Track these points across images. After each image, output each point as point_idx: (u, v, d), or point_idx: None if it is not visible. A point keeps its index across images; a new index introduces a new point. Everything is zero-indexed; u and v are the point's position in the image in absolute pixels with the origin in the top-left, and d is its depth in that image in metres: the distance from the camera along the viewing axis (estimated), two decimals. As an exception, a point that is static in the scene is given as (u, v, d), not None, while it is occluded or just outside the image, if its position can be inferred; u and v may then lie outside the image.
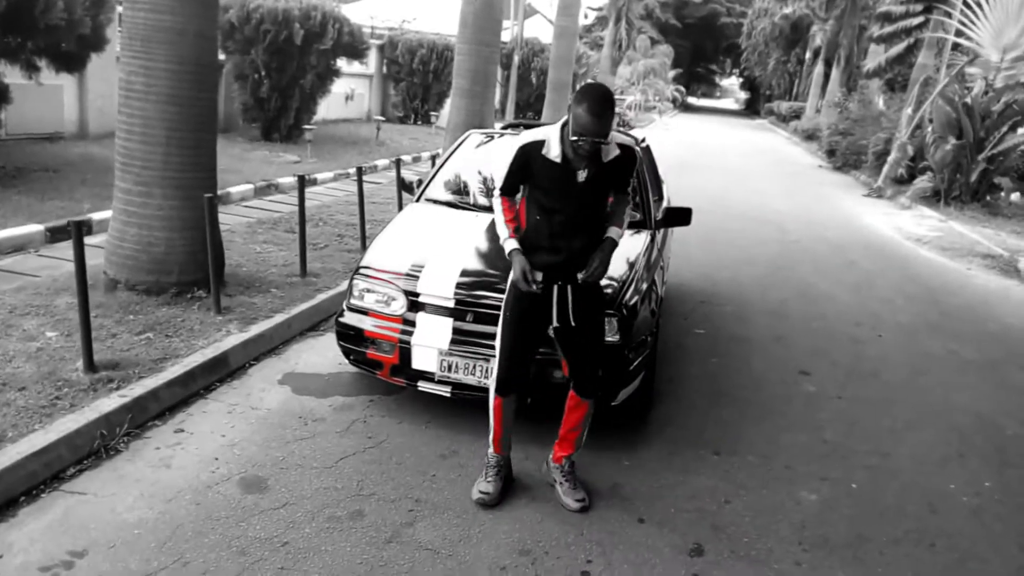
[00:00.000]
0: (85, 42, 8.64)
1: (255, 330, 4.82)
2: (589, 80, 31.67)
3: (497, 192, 3.37)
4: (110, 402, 3.71)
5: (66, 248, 6.04)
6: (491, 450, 3.50)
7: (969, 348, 6.28)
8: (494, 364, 3.73)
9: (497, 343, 3.36)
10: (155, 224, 5.07)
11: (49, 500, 3.15)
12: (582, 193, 3.13)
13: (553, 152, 3.11)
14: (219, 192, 6.35)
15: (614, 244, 3.24)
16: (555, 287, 3.23)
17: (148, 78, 4.88)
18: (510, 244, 3.26)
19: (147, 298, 5.06)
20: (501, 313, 3.36)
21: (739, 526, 3.39)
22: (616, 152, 3.15)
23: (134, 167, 5.02)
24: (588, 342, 3.33)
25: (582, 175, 3.10)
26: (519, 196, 3.36)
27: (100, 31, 8.81)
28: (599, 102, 2.93)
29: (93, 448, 3.49)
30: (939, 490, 3.91)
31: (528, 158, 3.17)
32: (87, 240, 4.06)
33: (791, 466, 3.99)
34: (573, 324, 3.25)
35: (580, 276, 3.17)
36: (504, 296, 3.36)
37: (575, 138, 2.96)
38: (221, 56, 12.69)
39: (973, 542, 3.46)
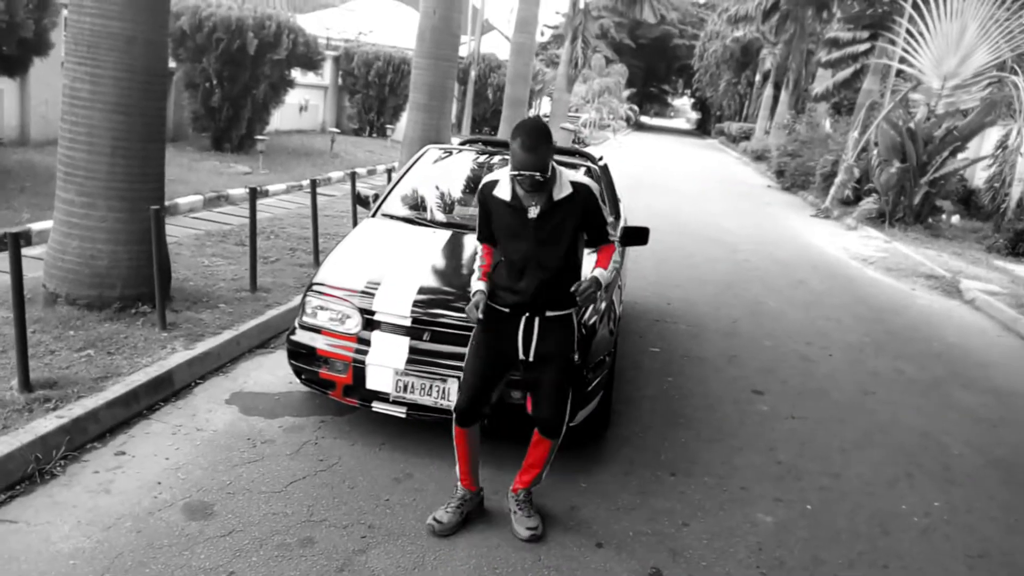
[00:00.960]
0: (27, 45, 8.36)
1: (202, 347, 4.66)
2: (545, 96, 31.94)
3: (477, 239, 3.40)
4: (46, 423, 3.53)
5: (2, 259, 5.81)
6: (459, 482, 3.41)
7: (914, 367, 6.43)
8: (451, 385, 3.69)
9: (462, 373, 3.32)
10: (98, 236, 4.89)
11: (-23, 529, 2.98)
12: (536, 231, 3.11)
13: (504, 192, 3.14)
14: (166, 203, 6.16)
15: (597, 280, 3.17)
16: (522, 319, 3.19)
17: (94, 85, 4.72)
18: (475, 285, 3.29)
19: (88, 313, 4.87)
20: (470, 340, 3.33)
21: (697, 549, 3.37)
22: (568, 191, 3.11)
23: (77, 177, 4.83)
24: (552, 381, 3.23)
25: (533, 211, 3.09)
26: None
27: (44, 35, 8.54)
28: (532, 136, 2.95)
29: (27, 472, 3.32)
30: (890, 511, 3.96)
31: (486, 199, 3.22)
32: (25, 251, 3.89)
33: (746, 487, 4.00)
34: (530, 359, 3.20)
35: (574, 289, 3.12)
36: (465, 317, 3.34)
37: (514, 173, 2.99)
38: (171, 64, 12.40)
39: (924, 562, 3.51)
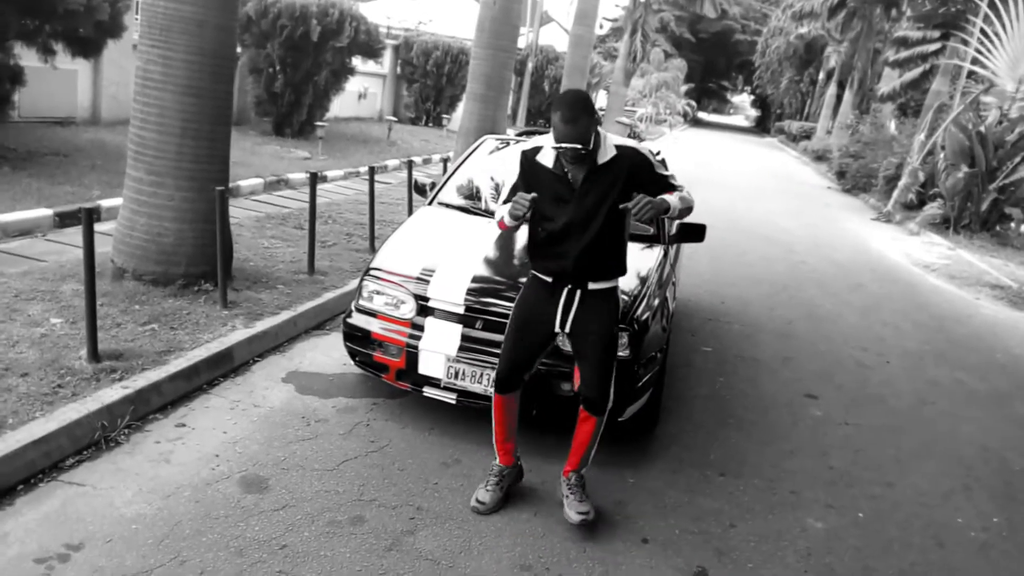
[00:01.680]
0: (102, 28, 8.62)
1: (260, 326, 4.78)
2: (603, 90, 31.71)
3: (503, 197, 3.38)
4: (112, 393, 3.67)
5: (74, 234, 6.03)
6: (496, 459, 3.45)
7: (976, 378, 6.23)
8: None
9: (504, 340, 3.35)
10: (165, 215, 5.03)
11: (47, 490, 3.11)
12: (580, 197, 3.08)
13: (547, 158, 3.12)
14: (230, 185, 6.31)
15: (665, 202, 3.04)
16: (564, 290, 3.19)
17: (166, 68, 4.85)
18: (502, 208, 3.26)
19: (153, 289, 5.03)
20: (511, 312, 3.35)
21: (744, 551, 3.34)
22: (612, 153, 3.07)
23: (147, 156, 4.99)
24: (597, 355, 3.23)
25: (578, 179, 3.08)
26: None
27: (118, 18, 8.80)
28: (572, 107, 2.91)
29: (93, 439, 3.45)
30: (945, 523, 3.86)
31: (528, 164, 3.20)
32: (95, 227, 4.02)
33: (797, 491, 3.94)
34: (567, 332, 3.22)
35: (627, 206, 2.97)
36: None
37: (556, 146, 2.96)
38: (237, 49, 12.68)
39: (980, 578, 3.42)
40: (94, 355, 3.93)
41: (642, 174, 3.12)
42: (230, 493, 3.24)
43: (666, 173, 3.22)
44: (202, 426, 3.77)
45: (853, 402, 5.34)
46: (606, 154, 3.07)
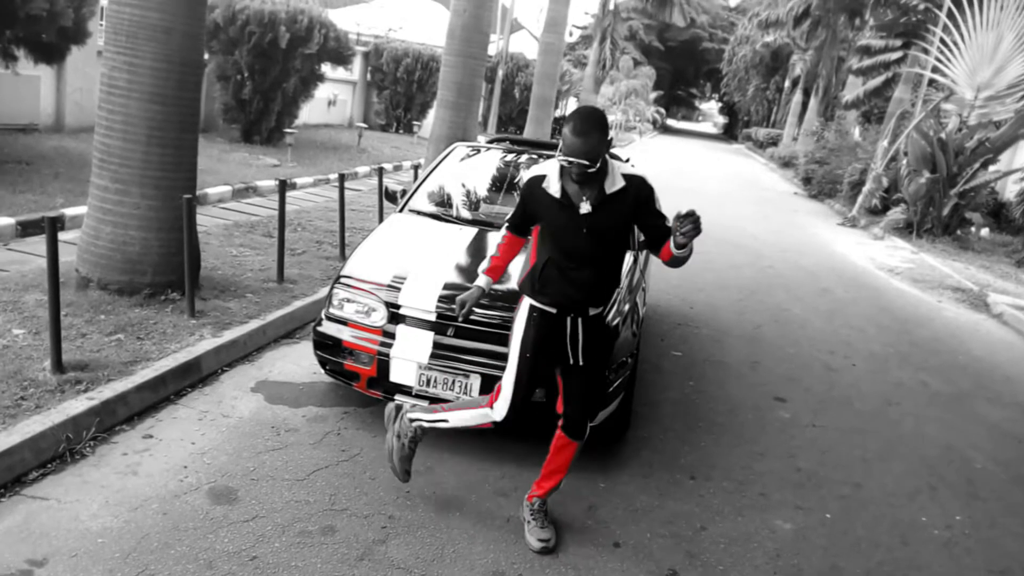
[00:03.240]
0: (66, 34, 8.51)
1: (229, 335, 4.73)
2: (572, 97, 31.90)
3: (505, 224, 3.31)
4: (77, 404, 3.60)
5: (37, 243, 5.93)
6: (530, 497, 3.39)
7: (939, 380, 6.36)
8: (473, 380, 3.72)
9: (508, 379, 3.19)
10: (131, 223, 4.97)
11: (9, 505, 3.05)
12: (588, 226, 2.97)
13: (552, 187, 3.00)
14: (197, 193, 6.24)
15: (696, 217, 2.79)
16: (568, 320, 3.09)
17: (132, 75, 4.80)
18: (480, 279, 3.31)
19: (119, 298, 4.95)
20: (512, 347, 3.19)
21: (714, 553, 3.38)
22: (621, 183, 2.96)
23: (112, 164, 4.92)
24: (586, 382, 3.20)
25: (584, 207, 2.95)
26: (531, 237, 3.23)
27: (82, 24, 8.68)
28: (585, 121, 2.82)
29: (58, 452, 3.39)
30: (911, 522, 3.93)
31: (532, 192, 3.08)
32: (59, 236, 3.95)
33: (766, 493, 3.99)
34: (581, 363, 3.13)
35: (674, 223, 2.77)
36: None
37: (563, 160, 2.85)
38: (204, 56, 12.55)
39: (944, 575, 3.49)
40: (58, 366, 3.86)
41: (647, 206, 3.03)
42: (199, 505, 3.20)
43: (665, 216, 3.06)
44: (170, 437, 3.72)
45: (820, 404, 5.42)
46: (615, 183, 2.96)
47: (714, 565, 3.29)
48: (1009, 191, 16.03)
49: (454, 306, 3.31)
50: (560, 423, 3.26)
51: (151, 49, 4.78)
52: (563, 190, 2.99)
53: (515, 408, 3.18)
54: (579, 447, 3.28)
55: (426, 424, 3.33)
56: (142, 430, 3.76)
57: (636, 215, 3.03)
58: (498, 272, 3.38)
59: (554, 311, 3.09)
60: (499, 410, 3.20)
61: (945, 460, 4.77)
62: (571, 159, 2.81)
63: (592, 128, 2.81)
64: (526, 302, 3.17)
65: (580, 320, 3.10)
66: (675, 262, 2.98)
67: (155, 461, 3.49)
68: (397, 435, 3.37)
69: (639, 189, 3.01)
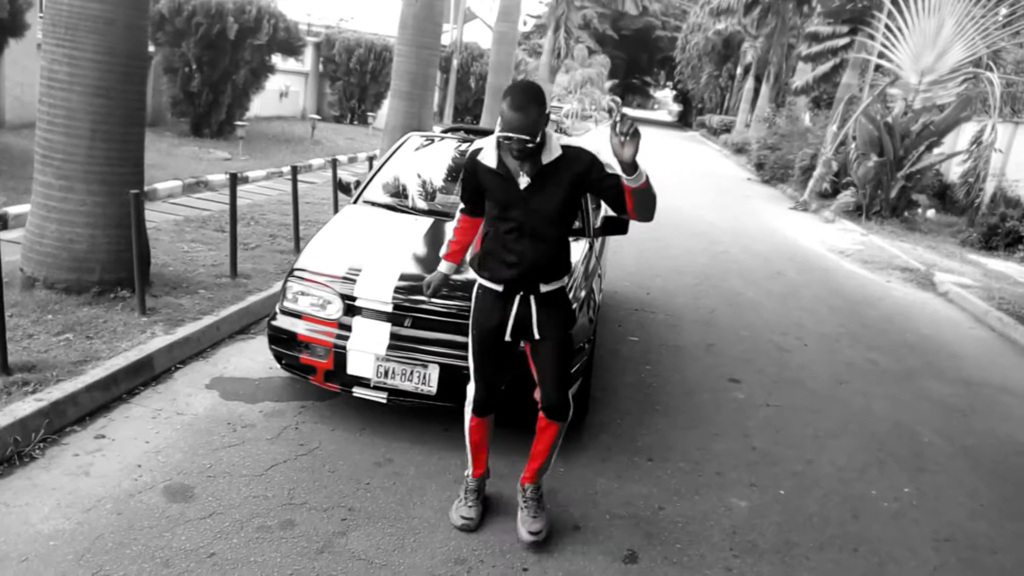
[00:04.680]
0: (2, 27, 8.24)
1: (182, 332, 4.65)
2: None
3: (462, 206, 3.26)
4: (25, 406, 3.52)
5: (-22, 243, 5.74)
6: (470, 472, 3.36)
7: (888, 358, 6.54)
8: (431, 371, 3.72)
9: (469, 360, 3.22)
10: (77, 220, 4.85)
11: (-44, 511, 2.98)
12: (526, 199, 2.95)
13: (489, 159, 3.00)
14: (145, 188, 6.12)
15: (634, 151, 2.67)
16: (516, 298, 3.06)
17: (73, 68, 4.67)
18: (442, 265, 3.36)
19: (67, 297, 4.84)
20: (469, 331, 3.20)
21: (672, 532, 3.44)
22: (558, 153, 2.93)
23: (55, 160, 4.80)
24: (554, 360, 3.14)
25: (523, 181, 2.94)
26: (480, 210, 3.19)
27: (19, 16, 8.42)
28: (521, 94, 2.77)
29: (6, 455, 3.31)
30: (861, 496, 4.05)
31: (474, 168, 3.06)
32: (2, 235, 3.85)
33: (722, 472, 4.08)
34: (537, 337, 3.09)
35: (616, 120, 2.67)
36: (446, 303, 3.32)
37: (501, 136, 2.82)
38: (150, 48, 12.26)
39: (892, 545, 3.60)
40: (4, 367, 3.76)
41: (593, 170, 2.96)
42: (154, 503, 3.16)
43: (615, 172, 2.92)
44: (123, 436, 3.66)
45: (774, 385, 5.54)
46: (551, 154, 2.93)
47: (672, 544, 3.35)
48: (953, 173, 16.48)
49: (423, 288, 3.35)
50: (540, 404, 3.23)
51: (92, 41, 4.66)
52: (500, 160, 2.98)
53: (486, 385, 3.18)
54: (561, 428, 3.21)
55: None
56: (94, 430, 3.69)
57: (583, 183, 2.98)
58: (458, 256, 3.38)
59: (499, 288, 3.07)
60: (470, 390, 3.23)
61: (893, 435, 4.91)
62: (511, 135, 2.77)
63: (530, 101, 2.76)
64: (478, 280, 3.17)
65: (532, 297, 3.06)
66: (640, 200, 2.81)
67: (108, 461, 3.43)
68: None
69: (579, 156, 2.96)
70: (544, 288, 3.08)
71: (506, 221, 3.01)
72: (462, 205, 3.27)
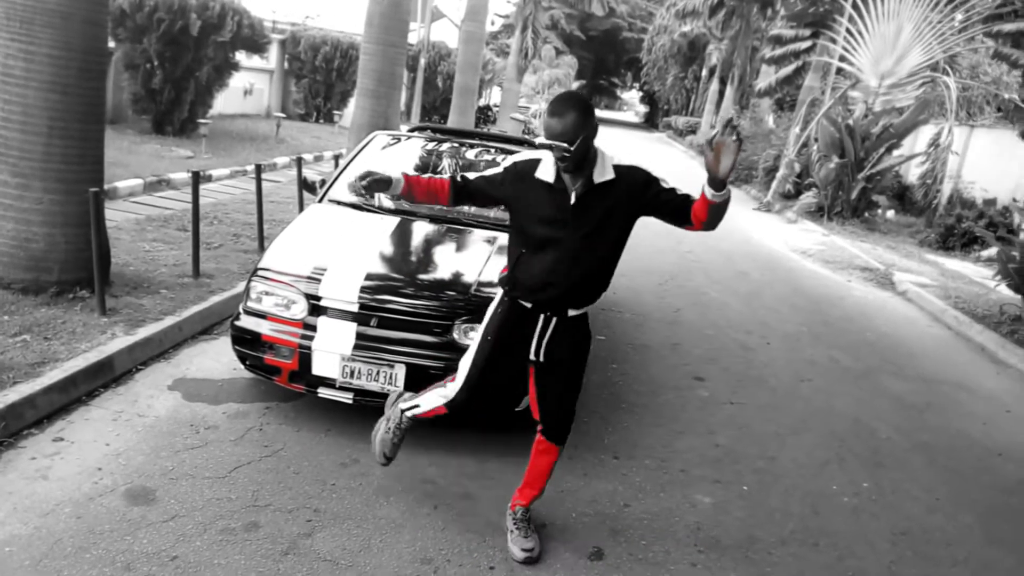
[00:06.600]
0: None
1: (143, 333, 4.58)
2: (496, 86, 31.89)
3: (455, 176, 3.05)
4: (-21, 409, 3.44)
5: (-70, 242, 5.59)
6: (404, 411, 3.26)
7: (848, 356, 6.67)
8: (398, 371, 3.71)
9: (466, 360, 3.09)
10: (34, 219, 4.75)
11: (-94, 517, 2.90)
12: (577, 217, 2.83)
13: (547, 173, 2.86)
14: (105, 187, 6.01)
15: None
16: (541, 317, 2.96)
17: (28, 63, 4.57)
18: (395, 175, 2.95)
19: (24, 298, 4.73)
20: (479, 333, 3.10)
21: (637, 529, 3.47)
22: (611, 175, 2.83)
23: (11, 157, 4.69)
24: (565, 384, 3.09)
25: (573, 195, 2.82)
26: (465, 200, 3.06)
27: (-26, 9, 8.20)
28: (559, 102, 2.72)
29: (-41, 459, 3.24)
30: (821, 492, 4.12)
31: (522, 176, 2.91)
32: (-44, 234, 3.75)
33: (686, 470, 4.12)
34: (540, 360, 3.02)
35: (710, 138, 2.62)
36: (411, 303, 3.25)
37: (541, 142, 2.74)
38: (111, 44, 12.02)
39: (851, 540, 3.67)
40: (-43, 370, 3.68)
41: (649, 187, 2.87)
42: (115, 507, 3.11)
43: (675, 186, 2.91)
44: (82, 439, 3.59)
45: (738, 383, 5.61)
46: (604, 174, 2.83)
47: (637, 541, 3.38)
48: (912, 175, 16.86)
49: (361, 181, 2.91)
50: (540, 428, 3.18)
51: (48, 36, 4.56)
52: (558, 175, 2.85)
53: (470, 388, 3.07)
54: (560, 451, 3.19)
55: (408, 413, 3.23)
56: (52, 433, 3.62)
57: (639, 203, 2.88)
58: (407, 190, 3.01)
59: (529, 305, 2.97)
60: (452, 388, 3.11)
61: (853, 432, 5.01)
62: (552, 142, 2.70)
63: (567, 108, 2.69)
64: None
65: (555, 319, 2.97)
66: (715, 214, 2.76)
67: (67, 464, 3.37)
68: (386, 418, 3.31)
69: (632, 177, 2.88)
70: (572, 312, 2.99)
71: (548, 242, 2.88)
72: (460, 175, 3.06)
